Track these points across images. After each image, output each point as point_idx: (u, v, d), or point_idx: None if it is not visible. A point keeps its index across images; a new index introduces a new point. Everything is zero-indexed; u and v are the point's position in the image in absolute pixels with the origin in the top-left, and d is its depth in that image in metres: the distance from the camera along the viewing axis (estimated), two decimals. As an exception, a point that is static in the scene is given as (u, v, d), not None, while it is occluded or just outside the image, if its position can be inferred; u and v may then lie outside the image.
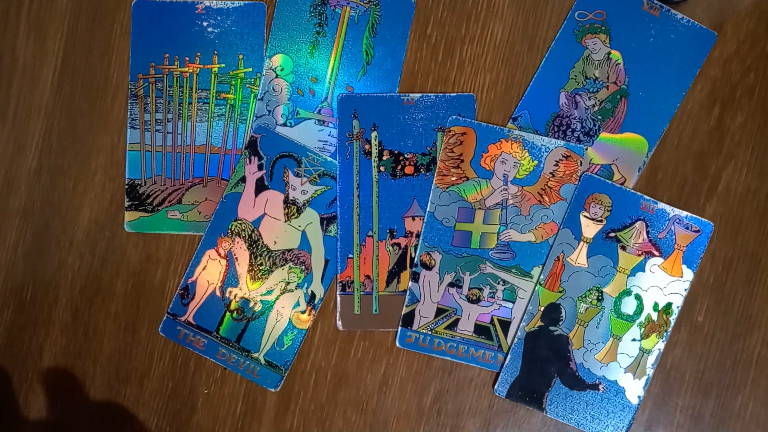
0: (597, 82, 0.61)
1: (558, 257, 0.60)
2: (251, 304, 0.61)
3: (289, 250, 0.62)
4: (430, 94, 0.61)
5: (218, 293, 0.62)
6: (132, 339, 0.62)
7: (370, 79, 0.62)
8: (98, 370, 0.62)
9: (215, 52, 0.63)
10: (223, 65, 0.63)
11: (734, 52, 0.61)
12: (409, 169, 0.61)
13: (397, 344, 0.61)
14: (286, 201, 0.62)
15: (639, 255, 0.59)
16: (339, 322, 0.61)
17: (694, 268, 0.59)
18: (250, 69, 0.63)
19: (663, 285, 0.59)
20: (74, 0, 0.63)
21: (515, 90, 0.62)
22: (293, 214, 0.62)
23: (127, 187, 0.62)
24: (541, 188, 0.60)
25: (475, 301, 0.60)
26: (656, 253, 0.59)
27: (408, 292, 0.61)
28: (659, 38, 0.61)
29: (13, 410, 0.62)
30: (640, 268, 0.59)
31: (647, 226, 0.59)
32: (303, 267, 0.61)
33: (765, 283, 0.60)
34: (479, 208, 0.60)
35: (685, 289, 0.59)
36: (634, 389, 0.59)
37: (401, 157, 0.61)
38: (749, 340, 0.60)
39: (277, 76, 0.62)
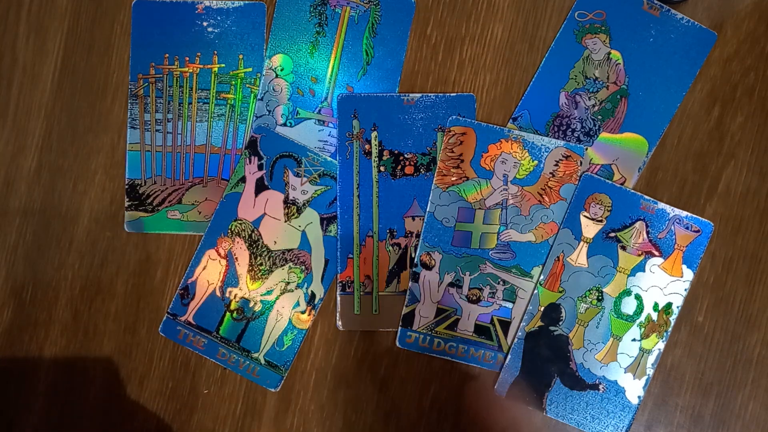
0: (597, 82, 0.61)
1: (558, 257, 0.60)
2: (251, 304, 0.61)
3: (289, 250, 0.62)
4: (430, 94, 0.61)
5: (218, 293, 0.62)
6: (132, 339, 0.62)
7: (370, 79, 0.62)
8: (98, 370, 0.62)
9: (215, 52, 0.63)
10: (223, 65, 0.63)
11: (734, 52, 0.61)
12: (409, 169, 0.61)
13: (397, 344, 0.61)
14: (286, 201, 0.62)
15: (639, 255, 0.59)
16: (339, 322, 0.61)
17: (694, 268, 0.59)
18: (250, 69, 0.63)
19: (663, 285, 0.59)
20: (74, 0, 0.63)
21: (515, 90, 0.62)
22: (293, 214, 0.61)
23: (127, 187, 0.62)
24: (541, 188, 0.60)
25: (475, 301, 0.60)
26: (656, 253, 0.59)
27: (408, 292, 0.61)
28: (659, 38, 0.61)
29: (13, 410, 0.62)
30: (640, 268, 0.59)
31: (647, 226, 0.59)
32: (303, 267, 0.61)
33: (765, 283, 0.60)
34: (479, 208, 0.60)
35: (685, 289, 0.59)
36: (634, 389, 0.59)
37: (401, 157, 0.61)
38: (749, 340, 0.60)
39: (277, 76, 0.62)
